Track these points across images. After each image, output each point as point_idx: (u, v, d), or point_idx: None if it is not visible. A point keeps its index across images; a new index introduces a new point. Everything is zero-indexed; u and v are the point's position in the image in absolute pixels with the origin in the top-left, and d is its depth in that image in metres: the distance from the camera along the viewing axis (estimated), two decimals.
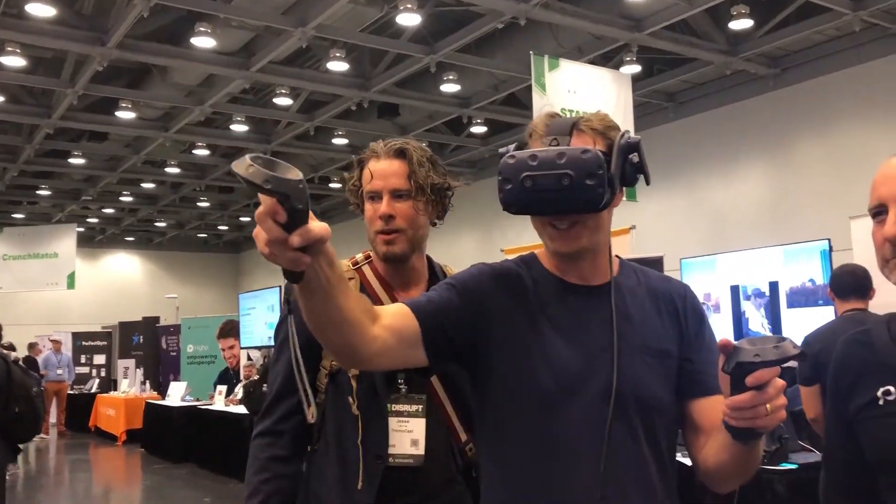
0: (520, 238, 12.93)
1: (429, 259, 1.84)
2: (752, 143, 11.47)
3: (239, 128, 13.00)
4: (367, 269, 1.78)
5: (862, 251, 6.01)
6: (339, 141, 13.88)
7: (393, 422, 1.66)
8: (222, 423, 8.95)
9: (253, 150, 14.47)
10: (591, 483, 1.24)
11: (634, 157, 1.31)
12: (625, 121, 6.51)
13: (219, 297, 23.98)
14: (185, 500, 8.57)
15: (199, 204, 19.64)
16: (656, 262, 5.31)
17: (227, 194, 18.77)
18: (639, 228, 5.93)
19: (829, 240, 5.93)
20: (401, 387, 1.66)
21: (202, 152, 14.65)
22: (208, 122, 13.04)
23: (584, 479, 1.25)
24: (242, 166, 0.96)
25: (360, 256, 1.82)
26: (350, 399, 1.66)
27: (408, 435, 1.66)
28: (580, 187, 1.21)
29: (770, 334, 1.17)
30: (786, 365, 1.10)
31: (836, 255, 5.86)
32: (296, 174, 0.98)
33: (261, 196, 0.98)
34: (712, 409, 1.31)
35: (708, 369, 1.37)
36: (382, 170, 1.70)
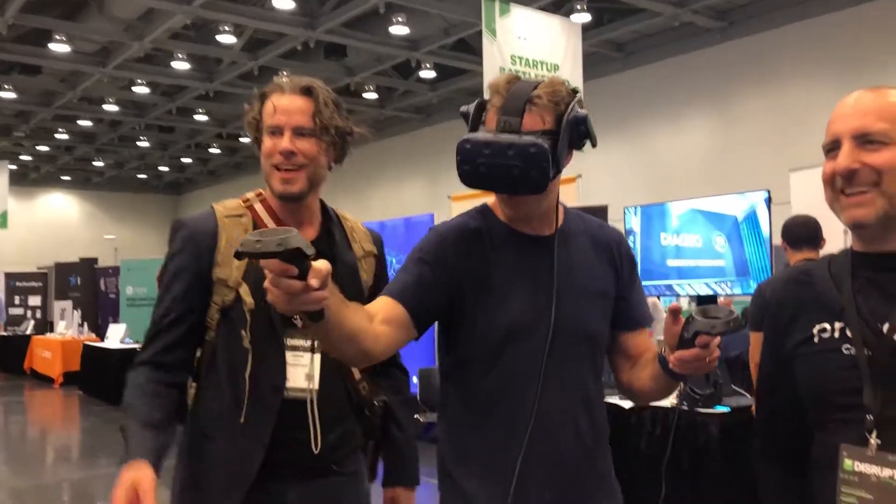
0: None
1: (322, 202, 1.82)
2: (699, 95, 11.61)
3: (180, 65, 12.60)
4: (259, 207, 1.74)
5: (799, 203, 6.21)
6: None
7: (288, 356, 1.66)
8: None
9: (195, 88, 14.08)
10: (530, 389, 1.47)
11: (581, 129, 1.46)
12: (574, 70, 6.49)
13: (159, 239, 23.54)
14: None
15: (138, 143, 19.10)
16: (601, 211, 5.37)
17: (168, 134, 18.27)
18: (584, 177, 5.99)
19: (768, 191, 6.08)
20: (296, 321, 1.64)
21: (142, 90, 14.19)
22: (148, 58, 12.59)
23: (530, 397, 1.47)
24: (250, 244, 1.05)
25: (251, 195, 1.78)
26: (243, 333, 1.65)
27: (302, 369, 1.66)
28: (527, 177, 1.39)
29: (720, 306, 1.29)
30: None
31: (774, 207, 6.02)
32: (287, 230, 1.07)
33: (264, 263, 1.07)
34: (639, 340, 1.61)
35: (638, 307, 1.63)
36: (286, 105, 1.67)
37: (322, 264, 1.12)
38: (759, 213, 4.87)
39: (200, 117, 16.33)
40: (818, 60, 10.80)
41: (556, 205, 1.54)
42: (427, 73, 13.20)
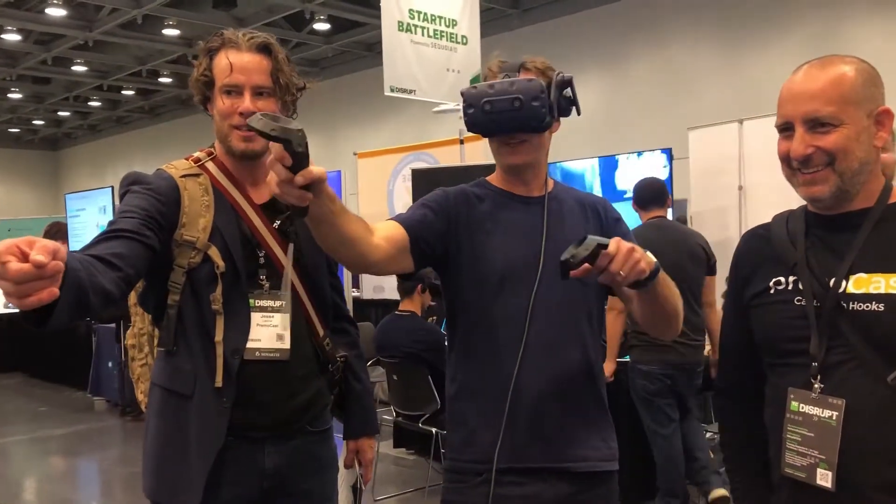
0: (367, 141, 12.79)
1: None
2: (594, 54, 11.81)
3: (55, 12, 11.77)
4: (211, 167, 1.72)
5: (697, 159, 6.51)
6: (170, 32, 12.94)
7: (257, 317, 1.67)
8: (53, 330, 8.42)
9: (72, 36, 13.23)
10: (517, 334, 1.61)
11: (568, 92, 1.66)
12: (471, 25, 6.46)
13: (37, 197, 22.27)
14: (19, 410, 8.16)
15: (10, 96, 17.83)
16: None
17: (43, 86, 17.12)
18: None
19: (670, 148, 6.31)
20: (263, 283, 1.68)
21: (13, 37, 13.18)
22: (19, 3, 11.71)
23: (520, 334, 1.61)
24: (255, 120, 1.21)
25: (200, 154, 1.75)
26: (212, 296, 1.64)
27: (273, 329, 1.68)
28: (528, 108, 1.56)
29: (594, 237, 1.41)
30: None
31: (675, 162, 6.25)
32: (296, 126, 1.22)
33: (271, 145, 1.22)
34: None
35: None
36: (244, 64, 1.65)
37: (317, 169, 1.24)
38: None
39: (79, 68, 15.39)
40: (702, 21, 11.16)
41: (546, 171, 1.74)
42: (321, 26, 12.86)
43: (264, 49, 1.68)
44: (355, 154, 7.79)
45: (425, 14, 6.04)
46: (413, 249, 1.59)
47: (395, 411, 5.02)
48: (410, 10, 5.94)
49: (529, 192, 1.72)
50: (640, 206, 4.26)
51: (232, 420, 1.64)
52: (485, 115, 1.59)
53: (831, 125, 1.31)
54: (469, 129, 1.64)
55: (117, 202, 1.53)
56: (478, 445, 1.63)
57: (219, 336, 1.62)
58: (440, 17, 6.19)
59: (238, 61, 1.65)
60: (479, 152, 5.59)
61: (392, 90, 5.68)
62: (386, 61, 5.73)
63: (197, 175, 1.68)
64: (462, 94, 1.62)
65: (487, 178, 1.77)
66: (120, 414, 7.48)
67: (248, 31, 1.70)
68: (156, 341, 1.79)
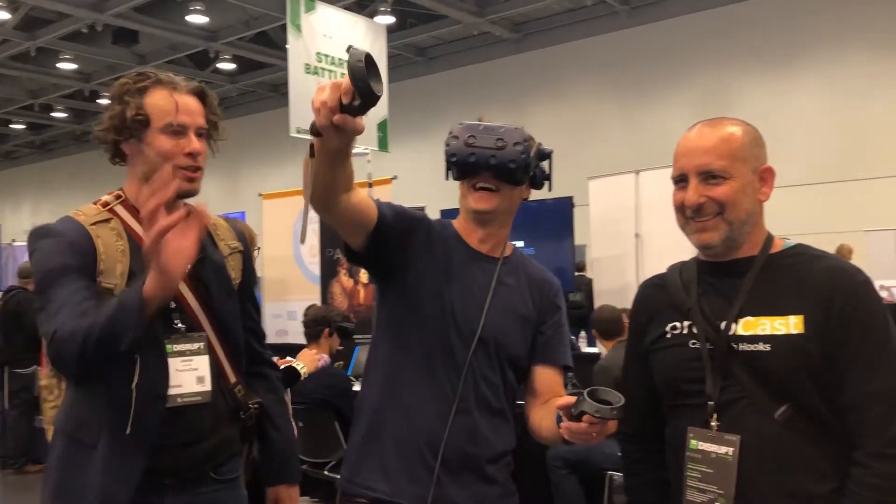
0: (272, 182, 12.59)
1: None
2: (498, 102, 12.12)
3: None
4: (121, 210, 1.67)
5: (597, 206, 6.74)
6: (66, 66, 12.53)
7: (176, 362, 1.63)
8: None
9: None
10: (452, 386, 1.64)
11: (545, 165, 1.72)
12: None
13: None
14: None
15: None
16: (419, 211, 5.45)
17: None
18: (400, 179, 6.03)
19: (571, 197, 6.50)
20: (178, 326, 1.64)
21: None
22: None
23: (445, 382, 1.65)
24: (363, 58, 1.25)
25: (108, 198, 1.69)
26: None
27: (193, 373, 1.65)
28: (510, 150, 1.62)
29: (614, 391, 1.41)
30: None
31: (577, 209, 6.43)
32: (380, 87, 1.28)
33: (349, 78, 1.27)
34: (549, 378, 1.75)
35: (554, 344, 1.77)
36: (188, 105, 1.66)
37: (360, 125, 1.32)
38: None
39: None
40: (600, 76, 11.67)
41: (507, 232, 1.77)
42: (226, 65, 12.73)
43: (201, 93, 1.71)
44: (260, 195, 7.68)
45: (332, 58, 6.06)
46: (373, 233, 1.60)
47: (300, 458, 4.89)
48: (318, 54, 5.95)
49: (484, 248, 1.74)
50: (604, 337, 4.46)
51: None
52: (466, 147, 1.62)
53: (722, 178, 1.42)
54: (447, 159, 1.66)
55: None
56: (393, 486, 1.63)
57: (134, 382, 1.57)
58: (347, 62, 6.23)
59: (184, 102, 1.65)
60: (387, 196, 5.61)
61: (298, 131, 5.64)
62: (292, 102, 5.70)
63: (108, 220, 1.63)
64: (453, 129, 1.69)
65: (452, 222, 1.79)
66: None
67: (175, 76, 1.71)
68: (63, 383, 1.73)
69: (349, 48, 1.30)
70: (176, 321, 1.66)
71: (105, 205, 1.67)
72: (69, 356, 1.43)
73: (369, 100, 1.28)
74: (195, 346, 1.66)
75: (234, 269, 1.78)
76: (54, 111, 15.24)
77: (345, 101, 1.28)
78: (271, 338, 8.03)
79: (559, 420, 1.50)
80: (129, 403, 1.57)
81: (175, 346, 1.64)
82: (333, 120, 1.30)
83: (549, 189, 1.77)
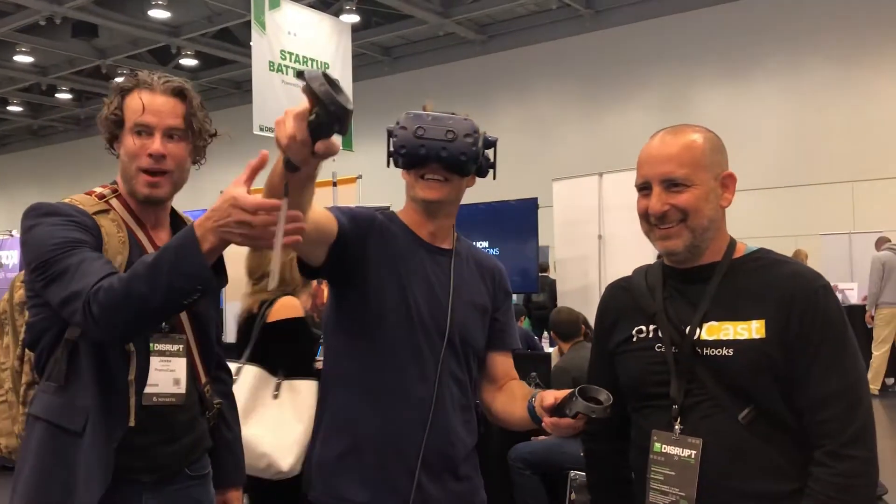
0: (230, 180, 12.39)
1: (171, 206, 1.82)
2: (462, 103, 11.94)
3: None
4: (116, 204, 1.67)
5: (561, 207, 6.80)
6: (23, 59, 12.26)
7: (155, 361, 1.64)
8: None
9: None
10: (427, 388, 1.65)
11: (490, 154, 1.72)
12: (343, 69, 6.49)
13: None
14: None
15: None
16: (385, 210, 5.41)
17: None
18: (365, 178, 6.02)
19: (536, 198, 6.54)
20: (162, 325, 1.65)
21: None
22: None
23: (419, 384, 1.65)
24: (314, 75, 1.19)
25: (103, 190, 1.70)
26: None
27: (170, 374, 1.66)
28: (460, 141, 1.62)
29: (602, 389, 1.45)
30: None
31: (540, 211, 6.47)
32: (347, 101, 1.20)
33: (305, 98, 1.20)
34: (503, 361, 1.80)
35: (509, 330, 1.82)
36: (158, 105, 1.64)
37: (336, 141, 1.25)
38: None
39: None
40: (563, 78, 11.76)
41: (454, 220, 1.76)
42: (188, 61, 12.56)
43: (179, 93, 1.68)
44: (222, 193, 7.59)
45: (297, 56, 6.02)
46: (333, 247, 1.58)
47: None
48: (282, 52, 5.91)
49: (435, 241, 1.74)
50: (562, 339, 4.48)
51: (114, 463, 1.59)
52: (415, 140, 1.61)
53: (684, 185, 1.44)
54: (395, 151, 1.64)
55: None
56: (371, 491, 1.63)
57: (131, 375, 1.59)
58: (312, 60, 6.19)
59: (151, 102, 1.64)
60: (352, 195, 5.59)
61: (261, 129, 5.60)
62: (256, 100, 5.65)
63: (106, 211, 1.64)
64: (400, 117, 1.66)
65: (397, 213, 1.76)
66: None
67: (163, 74, 1.70)
68: (24, 378, 1.70)
69: (300, 73, 1.22)
70: (165, 325, 1.67)
71: (101, 196, 1.67)
72: (128, 308, 1.39)
73: (345, 118, 1.21)
74: (175, 347, 1.67)
75: None
76: (10, 105, 14.89)
77: (321, 133, 1.22)
78: (232, 337, 7.98)
79: (531, 409, 1.54)
80: (122, 399, 1.58)
81: (157, 345, 1.65)
82: (315, 149, 1.23)
83: (494, 177, 1.77)
